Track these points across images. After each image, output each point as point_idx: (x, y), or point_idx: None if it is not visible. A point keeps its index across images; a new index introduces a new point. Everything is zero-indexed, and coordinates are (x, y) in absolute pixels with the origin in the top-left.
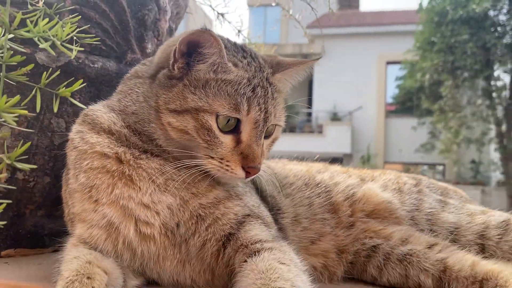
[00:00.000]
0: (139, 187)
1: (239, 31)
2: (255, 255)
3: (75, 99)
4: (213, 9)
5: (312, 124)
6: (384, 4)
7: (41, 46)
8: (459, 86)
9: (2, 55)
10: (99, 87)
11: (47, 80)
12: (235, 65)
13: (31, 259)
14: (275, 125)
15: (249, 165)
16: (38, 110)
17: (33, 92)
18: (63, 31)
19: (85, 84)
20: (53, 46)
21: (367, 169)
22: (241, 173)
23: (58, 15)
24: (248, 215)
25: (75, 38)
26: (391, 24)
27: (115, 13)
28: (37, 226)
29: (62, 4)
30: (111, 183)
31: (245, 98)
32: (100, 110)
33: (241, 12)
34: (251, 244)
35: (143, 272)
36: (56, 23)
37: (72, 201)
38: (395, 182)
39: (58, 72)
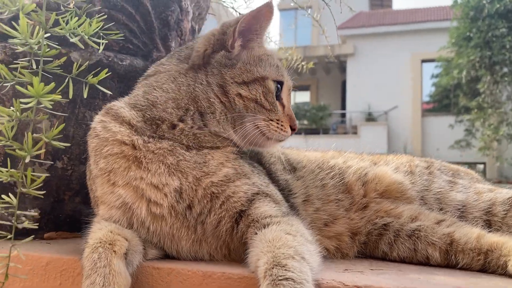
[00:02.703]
0: (148, 169)
1: None
2: (264, 228)
3: (105, 94)
4: (235, 10)
5: (346, 125)
6: (417, 2)
7: (71, 40)
8: (498, 81)
9: (40, 51)
10: (128, 83)
11: (78, 71)
12: None
13: (70, 241)
14: None
15: (294, 123)
16: (70, 96)
17: (66, 81)
18: (90, 27)
19: (114, 79)
20: (85, 44)
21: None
22: (289, 130)
23: (87, 16)
24: (257, 193)
25: (101, 34)
26: (424, 22)
27: (140, 15)
28: (75, 211)
29: (90, 5)
30: (127, 166)
31: (282, 66)
32: (122, 107)
33: None
34: (262, 219)
35: (162, 248)
36: (84, 21)
37: (95, 186)
38: (407, 165)
39: (86, 64)
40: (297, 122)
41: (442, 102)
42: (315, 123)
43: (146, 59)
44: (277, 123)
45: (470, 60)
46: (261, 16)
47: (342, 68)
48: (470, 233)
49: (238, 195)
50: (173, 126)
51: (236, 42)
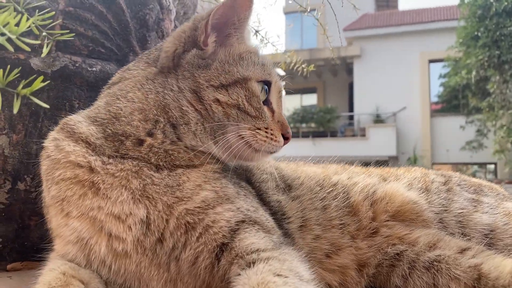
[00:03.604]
0: (108, 196)
1: (256, 31)
2: (249, 267)
3: (73, 105)
4: None
5: (354, 127)
6: (423, 3)
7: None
8: (507, 81)
9: None
10: (99, 92)
11: (6, 81)
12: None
13: (37, 272)
14: None
15: (287, 131)
16: (15, 111)
17: None
18: (20, 25)
19: (83, 87)
20: (45, 47)
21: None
22: (282, 140)
23: (31, 13)
24: (243, 221)
25: (46, 34)
26: (431, 22)
27: (113, 14)
28: (43, 238)
29: (33, 2)
30: (82, 193)
31: (268, 64)
32: (80, 121)
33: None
34: (247, 254)
35: None
36: (17, 18)
37: (49, 216)
38: (422, 180)
39: (17, 70)
40: (290, 129)
41: (451, 103)
42: (322, 126)
43: (121, 63)
44: (266, 132)
45: (479, 60)
46: (238, 5)
47: (349, 70)
48: (502, 266)
49: (219, 225)
50: (140, 142)
51: (209, 38)
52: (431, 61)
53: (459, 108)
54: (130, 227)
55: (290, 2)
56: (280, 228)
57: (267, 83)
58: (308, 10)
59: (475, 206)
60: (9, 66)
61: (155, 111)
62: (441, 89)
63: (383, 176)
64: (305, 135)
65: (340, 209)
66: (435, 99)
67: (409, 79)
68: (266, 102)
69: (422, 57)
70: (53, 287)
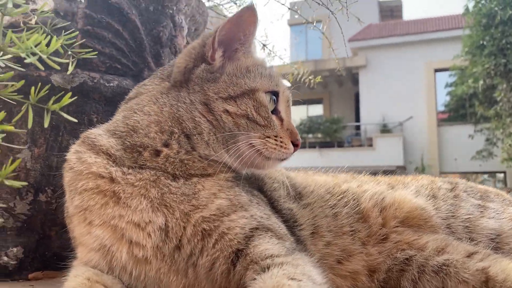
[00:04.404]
0: (128, 205)
1: (264, 45)
2: (264, 271)
3: (92, 119)
4: None
5: (361, 137)
6: (428, 12)
7: (27, 61)
8: None
9: None
10: (116, 106)
11: (37, 97)
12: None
13: (56, 281)
14: None
15: (297, 138)
16: (29, 126)
17: (24, 107)
18: (50, 45)
19: (101, 102)
20: (61, 65)
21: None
22: (291, 147)
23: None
24: (256, 228)
25: (71, 53)
26: (436, 31)
27: (128, 32)
28: (63, 248)
29: (58, 20)
30: (104, 203)
31: (275, 75)
32: (100, 134)
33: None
34: (261, 260)
35: None
36: (48, 39)
37: (72, 225)
38: (429, 188)
39: (47, 87)
40: (299, 136)
41: (458, 112)
42: (329, 136)
43: (136, 79)
44: (275, 140)
45: (485, 68)
46: (243, 22)
47: (355, 80)
48: (509, 268)
49: (234, 232)
50: (157, 153)
51: (217, 53)
52: (436, 70)
53: (466, 117)
54: (150, 234)
55: (296, 17)
56: (292, 235)
57: (275, 93)
58: (314, 24)
59: (482, 211)
60: (39, 84)
61: (170, 123)
62: (448, 98)
63: (391, 184)
64: (312, 146)
65: (351, 216)
66: (441, 108)
67: (415, 89)
68: (275, 111)
69: (428, 66)
70: None
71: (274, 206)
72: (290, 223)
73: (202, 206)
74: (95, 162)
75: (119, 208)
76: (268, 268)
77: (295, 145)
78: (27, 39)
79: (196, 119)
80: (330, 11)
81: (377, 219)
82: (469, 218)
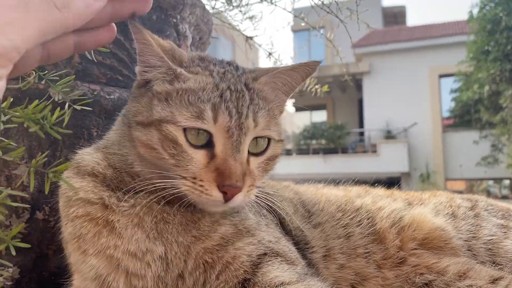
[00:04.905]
0: (122, 235)
1: (269, 54)
2: None
3: (92, 133)
4: (242, 33)
5: (365, 144)
6: (432, 18)
7: (31, 130)
8: None
9: None
10: None
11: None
12: (194, 72)
13: None
14: (268, 138)
15: (225, 183)
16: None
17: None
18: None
19: (101, 115)
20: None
21: (420, 190)
22: (216, 194)
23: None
24: (265, 253)
25: (68, 103)
26: (440, 37)
27: (130, 42)
28: (60, 267)
29: (54, 71)
30: (96, 231)
31: (209, 105)
32: (86, 152)
33: (283, 35)
34: None
35: None
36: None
37: (68, 251)
38: (448, 206)
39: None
40: (235, 179)
41: (463, 117)
42: (333, 143)
43: None
44: (193, 183)
45: (490, 74)
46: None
47: (358, 86)
48: None
49: (239, 260)
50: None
51: (138, 67)
52: (441, 76)
53: (471, 123)
54: (149, 263)
55: (303, 24)
56: (304, 258)
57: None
58: (321, 32)
59: (505, 232)
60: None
61: None
62: (453, 104)
63: (408, 200)
64: (316, 152)
65: (365, 236)
66: (446, 114)
67: (420, 94)
68: (210, 145)
69: (432, 72)
70: None
71: (283, 226)
72: (301, 245)
73: (203, 236)
74: (81, 187)
75: (113, 237)
76: None
77: (223, 192)
78: None
79: (126, 147)
80: (340, 19)
81: (395, 241)
82: (491, 239)
